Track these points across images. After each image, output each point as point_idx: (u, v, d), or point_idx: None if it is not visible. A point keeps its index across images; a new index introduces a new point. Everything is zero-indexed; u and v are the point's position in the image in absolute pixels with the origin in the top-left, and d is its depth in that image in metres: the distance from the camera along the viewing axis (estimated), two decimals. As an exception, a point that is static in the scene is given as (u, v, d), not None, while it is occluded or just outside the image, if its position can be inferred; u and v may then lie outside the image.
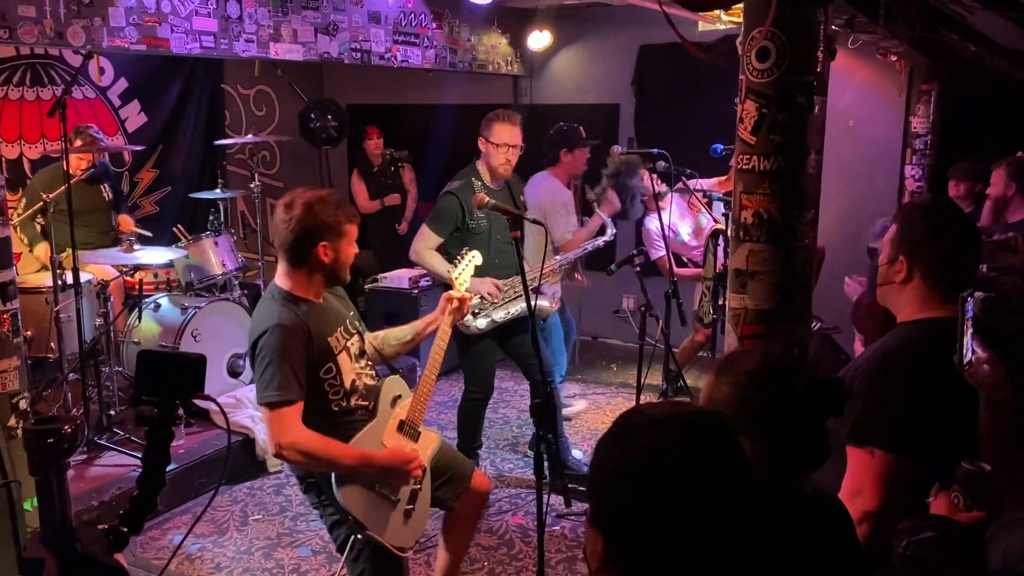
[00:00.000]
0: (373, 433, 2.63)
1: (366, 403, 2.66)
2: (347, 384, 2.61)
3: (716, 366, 1.59)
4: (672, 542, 1.03)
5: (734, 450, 1.08)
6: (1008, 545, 1.57)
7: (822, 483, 1.70)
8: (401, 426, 2.71)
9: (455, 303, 2.89)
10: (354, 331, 2.73)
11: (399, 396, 2.76)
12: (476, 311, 3.92)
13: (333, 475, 2.53)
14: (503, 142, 3.90)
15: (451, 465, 2.94)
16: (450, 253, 3.85)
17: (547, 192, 4.66)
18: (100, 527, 1.10)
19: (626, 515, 1.06)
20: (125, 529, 1.11)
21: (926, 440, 1.90)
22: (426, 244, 3.93)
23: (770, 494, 1.50)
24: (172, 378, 1.19)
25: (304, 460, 2.48)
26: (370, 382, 2.71)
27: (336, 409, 2.59)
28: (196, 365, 1.19)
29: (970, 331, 1.89)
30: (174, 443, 3.81)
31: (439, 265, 3.86)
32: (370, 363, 2.79)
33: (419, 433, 2.76)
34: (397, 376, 2.81)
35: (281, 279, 2.59)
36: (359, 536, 2.55)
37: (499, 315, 3.99)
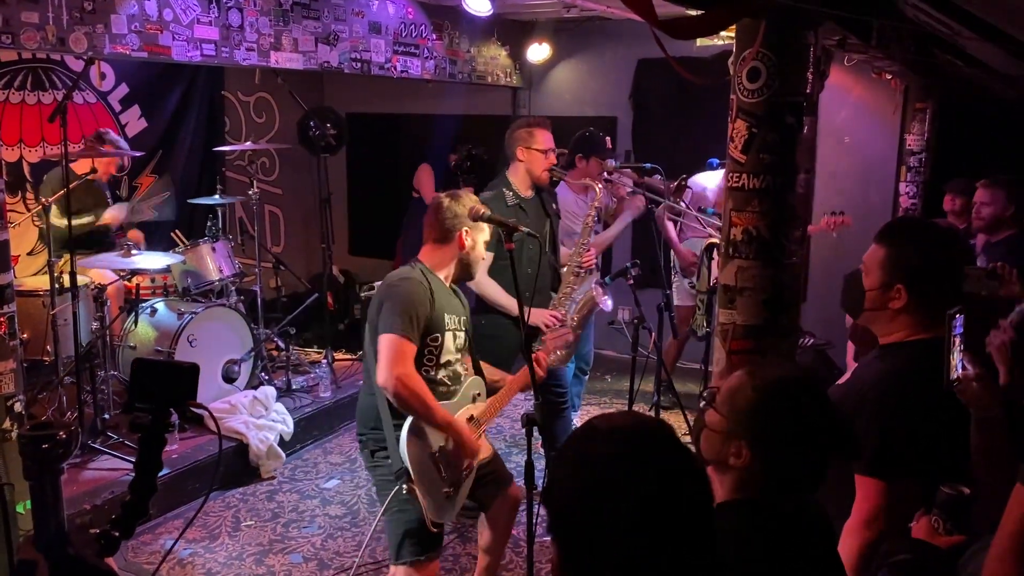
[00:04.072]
0: (449, 410, 2.87)
1: (450, 384, 2.92)
2: (442, 359, 2.89)
3: (749, 366, 1.60)
4: (614, 554, 1.05)
5: (682, 469, 1.10)
6: (976, 570, 1.59)
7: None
8: (471, 419, 2.95)
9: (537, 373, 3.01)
10: (465, 329, 3.01)
11: (479, 395, 3.03)
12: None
13: (407, 424, 2.73)
14: (548, 147, 3.94)
15: (496, 470, 3.15)
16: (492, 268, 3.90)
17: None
18: (92, 531, 1.12)
19: (571, 526, 1.09)
20: (116, 534, 1.14)
21: (940, 464, 1.93)
22: (483, 270, 3.85)
23: (757, 506, 1.53)
24: (165, 386, 1.21)
25: (407, 395, 2.68)
26: (461, 370, 3.00)
27: (424, 375, 2.83)
28: (189, 374, 1.22)
29: (959, 348, 1.91)
30: (168, 448, 3.81)
31: (502, 298, 3.84)
32: (466, 361, 3.05)
33: (481, 435, 2.99)
34: (481, 379, 3.09)
35: (424, 256, 2.96)
36: (404, 487, 2.75)
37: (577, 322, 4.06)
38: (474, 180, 6.48)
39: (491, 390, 3.12)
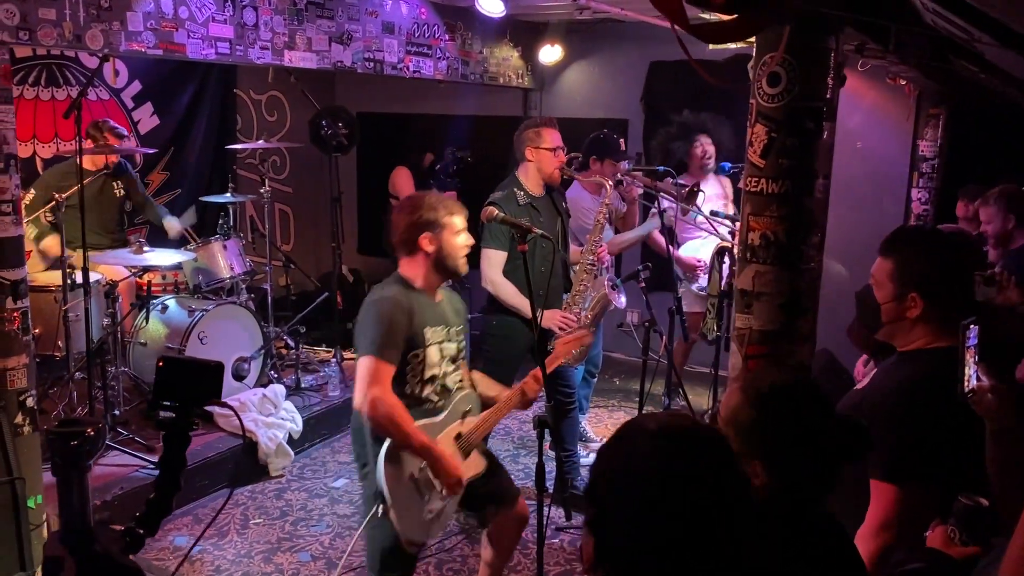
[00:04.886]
0: (432, 428, 2.79)
1: (438, 399, 2.85)
2: (426, 375, 2.82)
3: (743, 377, 1.61)
4: (654, 553, 1.06)
5: (724, 467, 1.11)
6: None
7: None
8: (458, 437, 2.86)
9: (533, 388, 2.93)
10: (455, 339, 2.93)
11: (470, 410, 2.92)
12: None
13: (384, 448, 2.66)
14: (556, 145, 3.95)
15: (497, 486, 3.05)
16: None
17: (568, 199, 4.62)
18: (117, 528, 1.13)
19: (613, 522, 1.10)
20: (141, 531, 1.14)
21: (955, 472, 1.92)
22: (497, 268, 3.87)
23: (769, 513, 1.52)
24: (190, 384, 1.22)
25: (381, 418, 2.64)
26: (451, 384, 2.90)
27: (408, 392, 2.78)
28: (214, 372, 1.22)
29: (973, 359, 1.91)
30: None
31: (516, 299, 3.81)
32: (460, 372, 2.96)
33: (470, 452, 2.90)
34: (474, 394, 2.99)
35: (402, 268, 2.90)
36: (378, 510, 2.68)
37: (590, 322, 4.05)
38: (456, 184, 6.46)
39: (486, 405, 3.01)
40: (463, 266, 2.90)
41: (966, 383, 1.88)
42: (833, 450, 1.53)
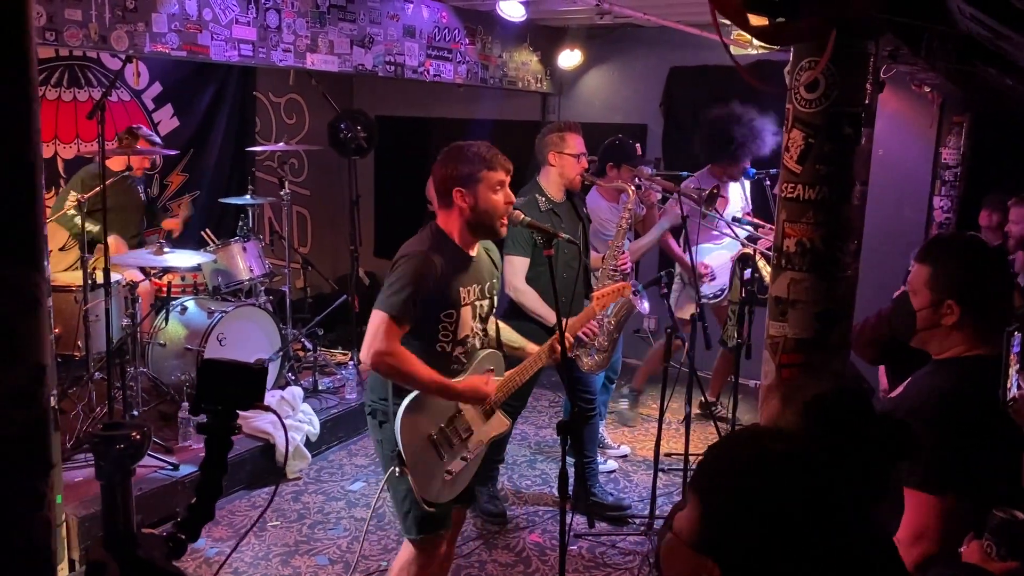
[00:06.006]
0: None
1: (465, 361, 2.80)
2: (459, 335, 2.75)
3: (783, 392, 1.59)
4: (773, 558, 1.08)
5: (843, 497, 1.16)
6: None
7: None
8: None
9: (556, 352, 2.89)
10: (489, 296, 2.86)
11: (491, 370, 2.87)
12: (579, 349, 3.92)
13: (402, 408, 2.62)
14: (580, 151, 3.92)
15: (470, 486, 3.01)
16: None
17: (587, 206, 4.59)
18: (159, 534, 1.11)
19: (724, 525, 1.11)
20: (183, 536, 1.12)
21: (992, 483, 1.89)
22: (520, 275, 3.83)
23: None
24: (233, 388, 1.20)
25: (390, 371, 2.59)
26: (478, 345, 2.85)
27: (439, 350, 2.72)
28: (257, 375, 1.20)
29: (1016, 366, 1.88)
30: (194, 447, 3.76)
31: (540, 307, 3.79)
32: (487, 332, 2.91)
33: (493, 412, 2.89)
34: (498, 353, 2.94)
35: (439, 220, 2.79)
36: (396, 470, 2.66)
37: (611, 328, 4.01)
38: None
39: (512, 361, 2.95)
40: (501, 228, 2.74)
41: (1009, 390, 1.85)
42: (880, 456, 1.49)
